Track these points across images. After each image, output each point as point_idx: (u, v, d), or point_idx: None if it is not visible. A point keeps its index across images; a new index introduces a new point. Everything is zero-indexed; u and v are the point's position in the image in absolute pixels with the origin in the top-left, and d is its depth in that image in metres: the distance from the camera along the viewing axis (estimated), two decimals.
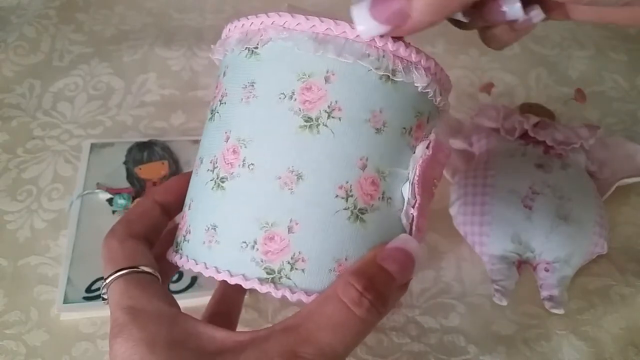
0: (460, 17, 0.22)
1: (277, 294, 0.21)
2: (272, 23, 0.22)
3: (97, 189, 0.39)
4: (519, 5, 0.22)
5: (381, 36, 0.21)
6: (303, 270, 0.21)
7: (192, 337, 0.20)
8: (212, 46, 0.25)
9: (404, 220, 0.23)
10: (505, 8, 0.22)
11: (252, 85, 0.22)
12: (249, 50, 0.23)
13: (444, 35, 0.54)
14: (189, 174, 0.25)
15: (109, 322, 0.33)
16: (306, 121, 0.21)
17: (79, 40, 0.52)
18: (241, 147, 0.22)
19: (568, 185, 0.36)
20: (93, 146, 0.42)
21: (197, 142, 0.43)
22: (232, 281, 0.21)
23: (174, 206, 0.26)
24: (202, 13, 0.56)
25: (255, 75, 0.22)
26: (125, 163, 0.41)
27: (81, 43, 0.52)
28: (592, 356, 0.33)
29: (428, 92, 0.23)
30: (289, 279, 0.21)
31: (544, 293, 0.34)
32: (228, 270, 0.22)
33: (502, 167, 0.38)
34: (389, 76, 0.22)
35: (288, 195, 0.21)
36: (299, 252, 0.21)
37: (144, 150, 0.42)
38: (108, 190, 0.39)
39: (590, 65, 0.52)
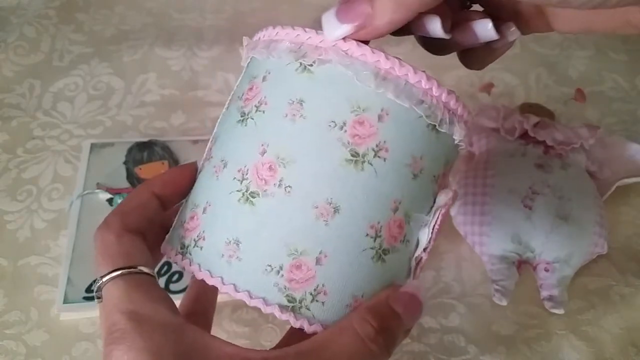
0: (440, 32, 0.21)
1: (295, 323, 0.21)
2: (334, 45, 0.21)
3: (97, 189, 0.39)
4: (490, 25, 0.22)
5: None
6: (323, 303, 0.21)
7: (199, 351, 0.19)
8: (245, 38, 0.25)
9: (413, 262, 0.23)
10: (477, 30, 0.22)
11: (301, 104, 0.21)
12: (302, 65, 0.22)
13: None
14: (190, 167, 0.25)
15: None
16: (352, 155, 0.21)
17: (79, 40, 0.52)
18: (279, 165, 0.21)
19: (568, 185, 0.36)
20: (93, 146, 0.42)
21: (197, 142, 0.43)
22: (251, 303, 0.21)
23: (172, 199, 0.25)
24: (202, 13, 0.56)
25: (306, 94, 0.22)
26: (125, 163, 0.41)
27: (81, 43, 0.52)
28: (592, 356, 0.33)
29: (461, 144, 0.23)
30: (308, 309, 0.21)
31: (544, 293, 0.34)
32: (248, 291, 0.21)
33: (502, 167, 0.38)
34: (435, 125, 0.22)
35: (322, 227, 0.21)
36: (323, 285, 0.21)
37: (144, 150, 0.42)
38: (108, 190, 0.39)
39: (590, 65, 0.52)
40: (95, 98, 0.47)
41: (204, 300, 0.29)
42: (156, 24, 0.54)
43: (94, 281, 0.34)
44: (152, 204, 0.24)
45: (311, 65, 0.22)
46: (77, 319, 0.34)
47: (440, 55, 0.25)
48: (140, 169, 0.41)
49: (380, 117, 0.21)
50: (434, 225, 0.23)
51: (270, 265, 0.21)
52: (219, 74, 0.50)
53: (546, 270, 0.35)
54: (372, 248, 0.22)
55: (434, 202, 0.23)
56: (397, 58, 0.21)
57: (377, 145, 0.21)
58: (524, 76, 0.51)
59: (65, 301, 0.33)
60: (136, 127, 0.45)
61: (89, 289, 0.34)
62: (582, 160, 0.39)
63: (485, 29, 0.22)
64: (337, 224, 0.21)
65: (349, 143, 0.21)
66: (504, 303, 0.33)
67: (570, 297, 0.35)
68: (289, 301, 0.21)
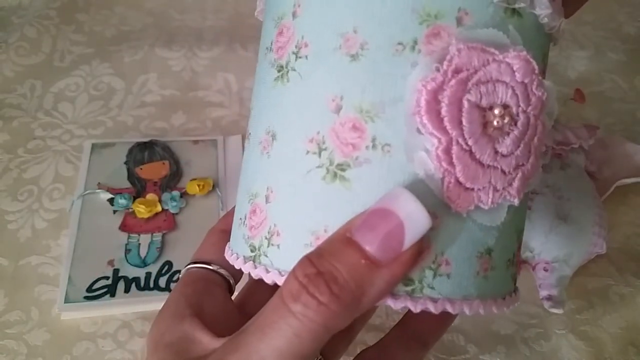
0: None
1: (255, 274, 0.18)
2: None
3: (98, 189, 0.39)
4: None
5: None
6: (278, 246, 0.18)
7: (184, 341, 0.19)
8: None
9: (420, 174, 0.16)
10: None
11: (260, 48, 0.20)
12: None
13: None
14: None
15: (109, 321, 0.34)
16: (278, 71, 0.18)
17: (80, 40, 0.52)
18: (250, 119, 0.21)
19: (567, 186, 0.37)
20: (94, 146, 0.42)
21: (197, 142, 0.43)
22: (231, 263, 0.20)
23: None
24: (203, 13, 0.56)
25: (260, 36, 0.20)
26: (126, 163, 0.41)
27: (82, 43, 0.52)
28: (591, 356, 0.33)
29: None
30: (266, 256, 0.18)
31: (543, 293, 0.34)
32: (236, 253, 0.20)
33: None
34: None
35: (266, 160, 0.18)
36: (274, 225, 0.18)
37: (144, 151, 0.42)
38: (109, 190, 0.39)
39: (589, 66, 0.52)
40: (96, 98, 0.47)
41: (250, 304, 0.25)
42: (157, 24, 0.54)
43: (95, 281, 0.34)
44: None
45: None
46: (78, 318, 0.34)
47: None
48: (141, 169, 0.41)
49: (294, 14, 0.18)
50: (415, 109, 0.16)
51: (240, 218, 0.20)
52: (220, 74, 0.50)
53: (545, 270, 0.35)
54: (319, 167, 0.17)
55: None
56: None
57: (296, 46, 0.18)
58: None
59: (66, 301, 0.33)
60: (137, 128, 0.45)
61: (90, 289, 0.34)
62: (581, 161, 0.39)
63: None
64: (275, 152, 0.18)
65: (274, 61, 0.18)
66: None
67: (569, 297, 0.35)
68: (251, 251, 0.19)
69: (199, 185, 0.39)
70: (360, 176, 0.17)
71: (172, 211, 0.39)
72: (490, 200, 0.17)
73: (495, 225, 0.18)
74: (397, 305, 0.17)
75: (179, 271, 0.35)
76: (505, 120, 0.16)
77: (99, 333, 0.33)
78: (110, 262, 0.36)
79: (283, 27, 0.18)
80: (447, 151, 0.16)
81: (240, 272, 0.23)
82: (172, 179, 0.41)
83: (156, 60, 0.51)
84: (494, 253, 0.18)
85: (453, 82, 0.16)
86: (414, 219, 0.15)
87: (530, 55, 0.17)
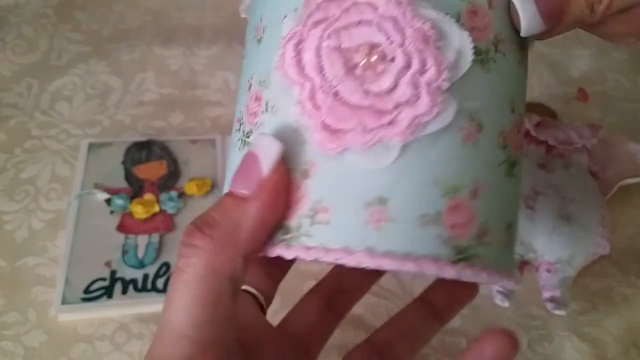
0: None
1: None
2: None
3: (95, 189, 0.39)
4: None
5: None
6: None
7: None
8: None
9: (294, 125, 0.17)
10: None
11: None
12: None
13: None
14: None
15: (107, 323, 0.33)
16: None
17: (77, 39, 0.52)
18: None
19: (570, 186, 0.36)
20: (91, 146, 0.42)
21: (195, 141, 0.43)
22: None
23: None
24: (201, 11, 0.55)
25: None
26: (123, 163, 0.41)
27: (79, 42, 0.52)
28: (594, 357, 0.33)
29: None
30: None
31: (546, 294, 0.34)
32: None
33: None
34: None
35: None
36: None
37: (142, 150, 0.42)
38: (106, 190, 0.39)
39: (592, 64, 0.52)
40: (93, 97, 0.47)
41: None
42: (155, 22, 0.54)
43: (92, 282, 0.34)
44: None
45: None
46: (75, 320, 0.33)
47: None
48: (139, 168, 0.41)
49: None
50: (283, 65, 0.17)
51: None
52: (218, 72, 0.49)
53: (548, 271, 0.34)
54: (238, 139, 0.20)
55: None
56: None
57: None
58: None
59: (64, 302, 0.33)
60: (134, 127, 0.45)
61: (87, 290, 0.34)
62: (584, 160, 0.39)
63: None
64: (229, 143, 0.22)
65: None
66: (506, 304, 0.33)
67: (572, 298, 0.35)
68: None
69: (197, 185, 0.39)
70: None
71: (170, 212, 0.38)
72: (362, 140, 0.16)
73: (383, 168, 0.16)
74: (272, 252, 0.17)
75: None
76: (374, 59, 0.16)
77: (96, 335, 0.33)
78: (108, 264, 0.35)
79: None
80: (312, 96, 0.17)
81: (271, 294, 0.23)
82: (170, 179, 0.40)
83: (154, 58, 0.50)
84: (391, 202, 0.16)
85: (312, 31, 0.17)
86: (265, 146, 0.16)
87: None
